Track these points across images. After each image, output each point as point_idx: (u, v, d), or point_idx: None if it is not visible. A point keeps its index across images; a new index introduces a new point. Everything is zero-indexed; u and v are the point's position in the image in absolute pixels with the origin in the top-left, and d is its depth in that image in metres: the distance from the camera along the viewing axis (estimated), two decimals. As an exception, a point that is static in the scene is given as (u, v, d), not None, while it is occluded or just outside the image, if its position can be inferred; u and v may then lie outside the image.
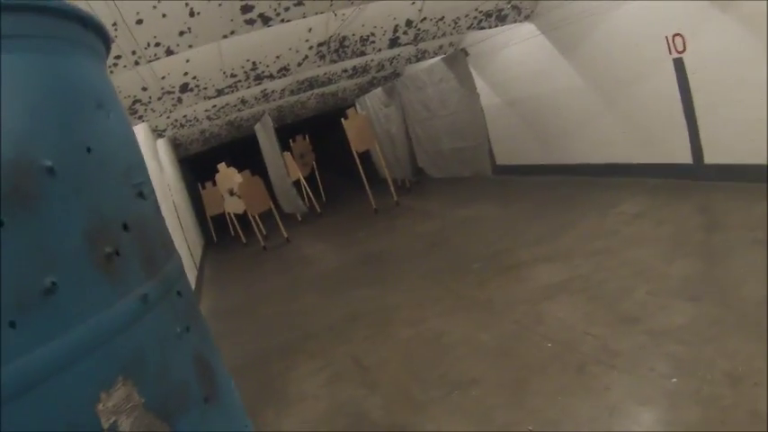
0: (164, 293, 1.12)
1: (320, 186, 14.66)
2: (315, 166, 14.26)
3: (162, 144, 10.57)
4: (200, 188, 13.03)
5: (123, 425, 0.95)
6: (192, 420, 1.08)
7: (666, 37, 5.67)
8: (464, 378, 3.58)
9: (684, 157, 6.03)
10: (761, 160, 5.14)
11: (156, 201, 1.26)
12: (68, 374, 0.91)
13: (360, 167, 10.37)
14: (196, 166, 15.46)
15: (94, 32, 1.25)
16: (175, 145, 13.16)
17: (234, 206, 11.66)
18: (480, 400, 3.31)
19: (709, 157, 5.78)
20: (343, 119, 10.27)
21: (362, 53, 6.76)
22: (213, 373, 1.19)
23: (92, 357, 0.95)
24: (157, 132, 9.79)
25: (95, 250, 0.97)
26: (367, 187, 10.39)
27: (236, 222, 12.21)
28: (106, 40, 1.34)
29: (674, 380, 3.05)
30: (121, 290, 1.01)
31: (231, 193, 11.42)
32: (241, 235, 12.03)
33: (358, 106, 13.72)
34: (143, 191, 1.16)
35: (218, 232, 13.80)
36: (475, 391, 3.40)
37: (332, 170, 16.70)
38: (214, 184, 12.23)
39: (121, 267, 1.03)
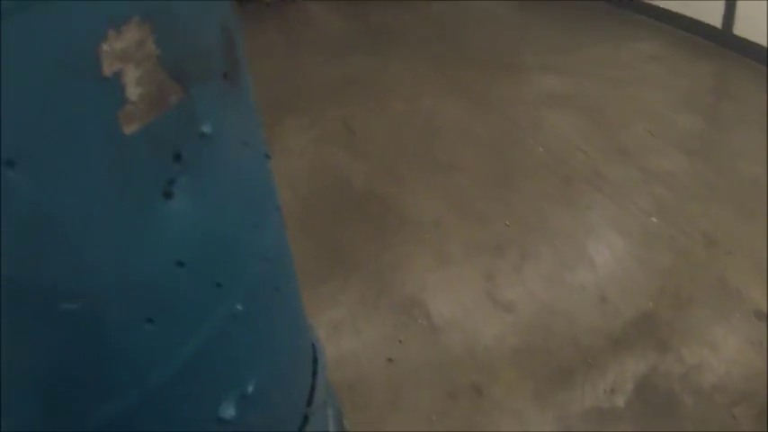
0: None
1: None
2: None
3: None
4: None
5: (129, 75, 0.73)
6: (208, 93, 0.88)
7: None
8: (451, 162, 3.48)
9: (714, 19, 5.65)
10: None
11: None
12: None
13: None
14: None
15: None
16: None
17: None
18: (463, 186, 3.24)
19: (739, 30, 5.44)
20: None
21: None
22: (237, 51, 0.96)
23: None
24: None
25: None
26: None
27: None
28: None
29: (654, 220, 3.03)
30: None
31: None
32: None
33: None
34: None
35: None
36: (459, 177, 3.31)
37: None
38: None
39: None
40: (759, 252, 2.94)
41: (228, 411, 1.01)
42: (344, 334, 2.50)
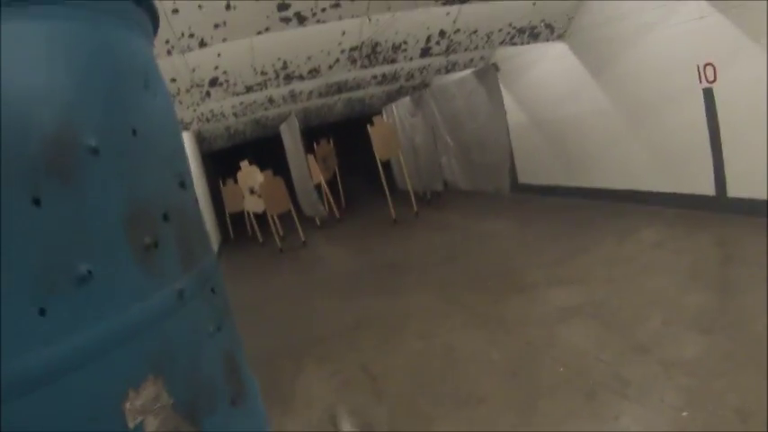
0: (199, 289, 1.07)
1: (341, 192, 14.52)
2: (337, 171, 14.19)
3: (186, 137, 10.62)
4: (221, 184, 13.04)
5: (150, 425, 0.91)
6: (218, 422, 1.04)
7: (698, 66, 5.62)
8: (473, 395, 3.54)
9: (707, 188, 5.95)
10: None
11: (194, 192, 1.22)
12: (96, 366, 0.86)
13: (382, 175, 10.34)
14: (218, 162, 15.46)
15: (145, 8, 1.20)
16: (200, 140, 13.18)
17: (253, 205, 11.64)
18: (488, 418, 3.27)
19: (733, 191, 5.71)
20: (369, 125, 10.24)
21: (393, 60, 6.77)
22: (240, 375, 1.16)
23: (122, 350, 0.89)
24: (183, 125, 9.85)
25: (135, 238, 0.93)
26: (388, 196, 10.32)
27: (254, 221, 12.17)
28: (155, 19, 1.28)
29: (685, 413, 3.01)
30: (158, 282, 0.96)
31: (252, 191, 11.42)
32: (258, 234, 12.00)
33: (384, 114, 13.67)
34: (185, 180, 1.12)
35: (235, 230, 13.79)
36: (483, 409, 3.37)
37: (354, 176, 16.58)
38: (235, 181, 12.23)
39: (160, 259, 0.98)
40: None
41: None
42: None
